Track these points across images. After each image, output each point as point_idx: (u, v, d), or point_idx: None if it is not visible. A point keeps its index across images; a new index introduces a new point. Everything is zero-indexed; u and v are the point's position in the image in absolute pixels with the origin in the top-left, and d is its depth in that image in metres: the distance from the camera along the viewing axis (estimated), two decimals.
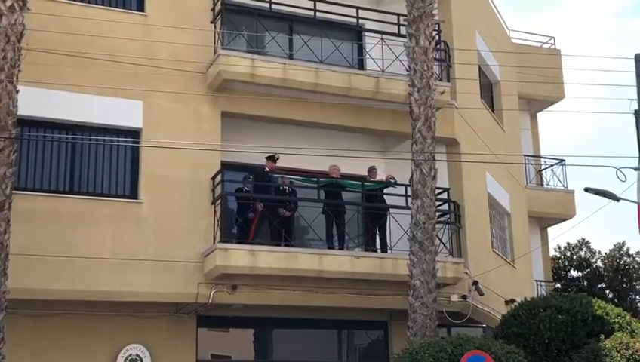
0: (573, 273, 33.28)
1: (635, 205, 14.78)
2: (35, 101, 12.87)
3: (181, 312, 14.26)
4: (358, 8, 16.21)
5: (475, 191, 17.02)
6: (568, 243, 33.70)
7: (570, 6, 64.40)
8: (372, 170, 15.84)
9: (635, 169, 14.22)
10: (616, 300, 29.81)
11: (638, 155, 14.29)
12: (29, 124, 13.32)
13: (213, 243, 13.64)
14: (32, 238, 12.61)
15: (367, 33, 16.62)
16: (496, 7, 21.62)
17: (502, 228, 19.78)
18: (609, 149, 58.95)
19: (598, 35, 68.09)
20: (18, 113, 11.80)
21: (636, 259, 32.84)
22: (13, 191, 11.66)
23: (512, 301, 17.13)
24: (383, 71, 15.57)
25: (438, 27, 15.65)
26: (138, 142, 13.93)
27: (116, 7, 14.53)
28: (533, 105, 25.54)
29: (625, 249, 33.15)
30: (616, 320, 13.31)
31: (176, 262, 13.57)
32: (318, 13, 15.76)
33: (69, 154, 13.86)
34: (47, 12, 13.07)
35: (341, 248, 14.95)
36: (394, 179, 15.55)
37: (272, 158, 14.73)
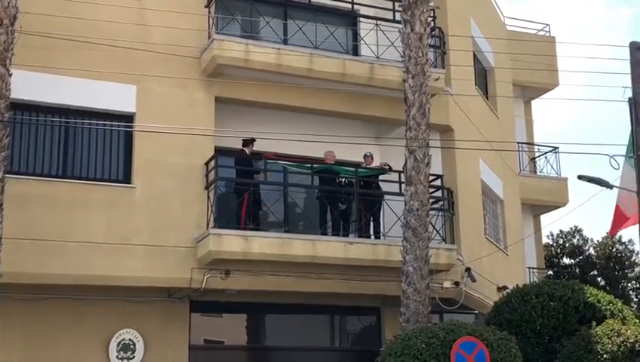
0: (566, 260, 33.39)
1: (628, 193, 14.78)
2: (29, 85, 12.82)
3: (174, 297, 14.27)
4: None
5: (469, 178, 17.04)
6: (561, 231, 33.81)
7: None
8: (367, 156, 15.81)
9: (628, 157, 14.22)
10: (607, 287, 29.92)
11: (630, 143, 14.27)
12: (22, 107, 13.25)
13: (207, 228, 13.63)
14: (25, 222, 12.58)
15: (361, 19, 16.56)
16: None
17: (495, 215, 19.82)
18: (603, 137, 59.11)
19: (590, 23, 68.09)
20: (11, 97, 11.76)
21: (628, 246, 32.97)
22: (6, 175, 11.65)
23: (505, 288, 17.20)
24: (377, 57, 15.53)
25: (433, 13, 15.62)
26: (131, 127, 13.89)
27: None
28: (528, 92, 25.53)
29: (617, 237, 33.25)
30: (608, 307, 13.37)
31: (169, 247, 13.57)
32: None
33: (62, 139, 13.81)
34: None
35: (335, 234, 14.96)
36: (388, 165, 15.55)
37: (251, 142, 14.67)
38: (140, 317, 13.95)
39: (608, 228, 15.79)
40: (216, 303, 14.91)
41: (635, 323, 12.96)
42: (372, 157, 15.87)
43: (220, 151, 14.32)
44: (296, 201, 15.34)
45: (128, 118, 14.04)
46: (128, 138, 14.04)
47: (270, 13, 15.70)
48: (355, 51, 16.54)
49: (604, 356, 11.95)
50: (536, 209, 24.96)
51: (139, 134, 13.83)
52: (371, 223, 15.42)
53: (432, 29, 15.45)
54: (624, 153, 14.26)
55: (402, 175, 14.27)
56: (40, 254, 12.70)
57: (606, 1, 72.10)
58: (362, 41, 16.15)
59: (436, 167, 15.25)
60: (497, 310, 13.88)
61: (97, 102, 13.79)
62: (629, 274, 33.18)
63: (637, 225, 14.44)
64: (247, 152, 14.69)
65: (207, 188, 14.00)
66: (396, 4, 15.47)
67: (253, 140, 14.68)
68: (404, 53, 14.16)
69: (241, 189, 14.29)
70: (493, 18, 21.62)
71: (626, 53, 14.23)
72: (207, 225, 13.74)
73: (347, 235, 14.91)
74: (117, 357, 13.64)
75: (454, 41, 16.50)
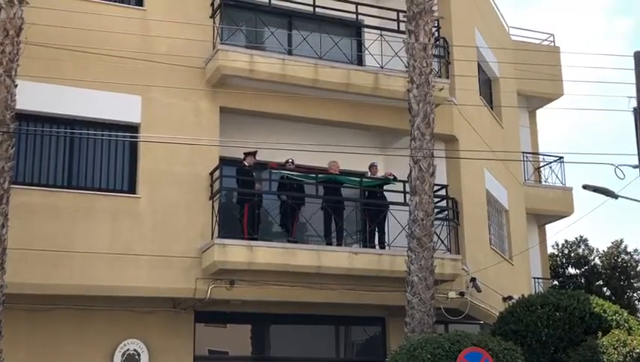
0: (571, 270, 33.32)
1: (633, 203, 14.77)
2: (34, 95, 12.86)
3: (179, 308, 14.26)
4: (357, 4, 16.20)
5: (474, 187, 17.01)
6: (566, 241, 33.75)
7: (559, 2, 64.51)
8: (372, 166, 15.82)
9: (634, 166, 14.20)
10: (613, 298, 29.88)
11: (637, 153, 14.26)
12: (27, 118, 13.29)
13: (211, 238, 13.63)
14: (30, 233, 12.60)
15: (366, 29, 16.59)
16: (495, 4, 21.62)
17: (500, 225, 19.78)
18: (608, 146, 59.07)
19: (590, 33, 68.10)
20: (16, 107, 11.79)
21: (634, 256, 32.89)
22: (12, 186, 11.65)
23: (510, 298, 17.15)
24: (381, 67, 15.55)
25: (438, 24, 15.64)
26: (136, 137, 13.91)
27: (115, 1, 14.48)
28: (532, 102, 25.55)
29: (623, 246, 33.20)
30: (614, 317, 13.32)
31: (174, 257, 13.57)
32: (317, 9, 15.74)
33: (67, 149, 13.84)
34: (45, 6, 13.04)
35: (339, 244, 14.95)
36: (393, 175, 15.55)
37: (252, 154, 14.65)
38: (144, 328, 13.94)
39: (613, 237, 15.75)
40: (220, 313, 14.91)
41: None
42: (377, 167, 15.86)
43: (224, 161, 14.32)
44: (300, 211, 15.29)
45: (133, 128, 14.06)
46: (133, 148, 14.06)
47: (275, 24, 15.74)
48: (360, 61, 16.57)
49: None
50: (541, 219, 24.94)
51: (144, 144, 13.85)
52: (376, 233, 15.41)
53: (437, 39, 15.47)
54: (630, 163, 14.23)
55: (407, 185, 14.25)
56: (44, 264, 12.70)
57: (605, 11, 72.18)
58: (367, 52, 16.18)
59: (441, 177, 15.25)
60: (503, 320, 13.84)
61: (102, 112, 13.82)
62: (634, 284, 33.09)
63: None
64: (247, 164, 14.59)
65: (211, 198, 14.00)
66: (400, 14, 15.49)
67: (254, 152, 14.63)
68: (408, 64, 14.18)
69: (242, 200, 14.27)
70: (498, 28, 21.64)
71: (630, 62, 14.23)
72: (212, 235, 13.73)
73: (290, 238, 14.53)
74: None
75: (459, 51, 16.52)
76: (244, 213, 14.11)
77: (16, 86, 11.75)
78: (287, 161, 14.86)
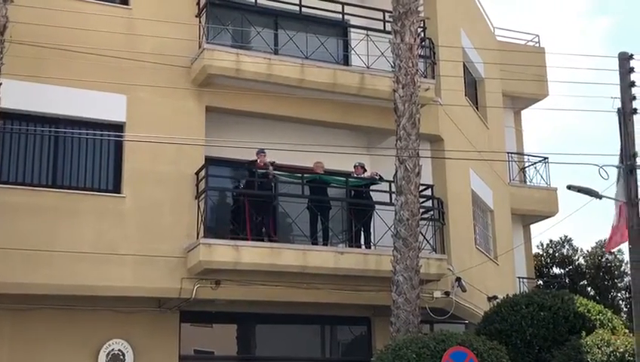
0: (556, 270, 33.46)
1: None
2: (18, 94, 12.78)
3: (164, 307, 14.22)
4: (343, 4, 16.20)
5: (459, 188, 17.06)
6: (551, 241, 33.89)
7: (535, 2, 64.68)
8: (357, 166, 15.82)
9: (617, 167, 14.26)
10: (597, 297, 30.03)
11: (619, 153, 14.31)
12: (11, 116, 13.19)
13: (197, 238, 13.60)
14: (14, 232, 12.53)
15: (352, 29, 16.61)
16: (481, 5, 21.68)
17: (485, 225, 19.85)
18: (592, 147, 59.37)
19: (566, 32, 68.39)
20: (0, 106, 11.71)
21: (618, 256, 33.07)
22: None
23: (495, 297, 17.20)
24: (367, 67, 15.57)
25: (424, 24, 15.68)
26: (121, 136, 13.86)
27: (101, 0, 14.42)
28: (517, 102, 25.64)
29: None
30: (598, 317, 13.40)
31: (159, 256, 13.52)
32: (303, 9, 15.75)
33: (52, 148, 13.77)
34: (30, 5, 12.97)
35: (325, 244, 14.95)
36: (378, 175, 15.57)
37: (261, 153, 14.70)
38: (129, 328, 13.89)
39: (597, 237, 15.80)
40: (206, 313, 14.88)
41: (625, 333, 12.99)
42: (363, 167, 15.88)
43: (210, 161, 14.30)
44: (286, 211, 15.30)
45: (118, 127, 14.01)
46: (118, 147, 14.01)
47: (261, 23, 15.72)
48: (346, 61, 16.58)
49: None
50: (526, 219, 25.01)
51: (129, 144, 13.80)
52: (362, 233, 15.42)
53: (422, 40, 15.50)
54: (614, 163, 14.27)
55: (393, 185, 14.28)
56: (28, 264, 12.63)
57: (581, 12, 72.53)
58: (353, 51, 16.18)
59: (426, 177, 15.27)
60: (487, 320, 13.89)
61: (87, 111, 13.76)
62: (618, 284, 33.28)
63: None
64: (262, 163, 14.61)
65: (197, 197, 13.97)
66: (386, 14, 15.52)
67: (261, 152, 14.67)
68: (394, 64, 14.20)
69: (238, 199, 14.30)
70: (483, 29, 21.71)
71: (614, 63, 14.27)
72: (198, 234, 13.70)
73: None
74: None
75: (444, 52, 16.56)
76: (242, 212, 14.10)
77: (0, 84, 11.68)
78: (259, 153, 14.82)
